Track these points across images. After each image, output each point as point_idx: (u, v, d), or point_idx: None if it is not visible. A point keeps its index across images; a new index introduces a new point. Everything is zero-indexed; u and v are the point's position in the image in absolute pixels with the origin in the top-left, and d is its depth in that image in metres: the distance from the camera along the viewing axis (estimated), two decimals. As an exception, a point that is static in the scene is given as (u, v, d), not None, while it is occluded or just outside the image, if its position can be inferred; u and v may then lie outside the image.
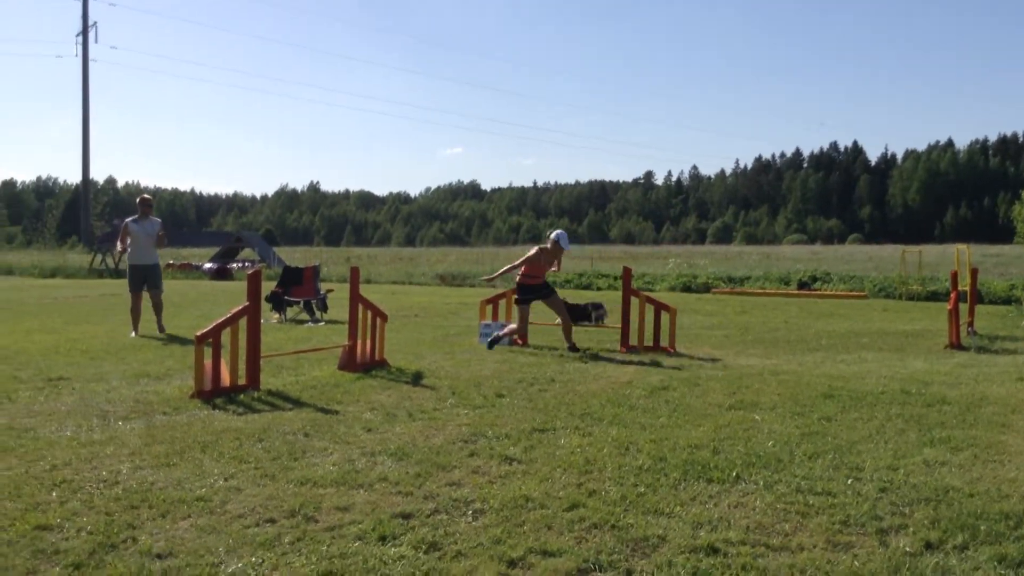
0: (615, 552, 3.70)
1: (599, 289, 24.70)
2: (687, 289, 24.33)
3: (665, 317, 10.36)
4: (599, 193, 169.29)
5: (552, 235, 10.70)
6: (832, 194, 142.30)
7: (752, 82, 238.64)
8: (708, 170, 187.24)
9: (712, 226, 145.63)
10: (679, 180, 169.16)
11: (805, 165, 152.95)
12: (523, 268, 10.60)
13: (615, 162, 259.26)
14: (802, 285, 23.98)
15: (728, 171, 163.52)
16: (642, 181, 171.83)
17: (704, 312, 16.64)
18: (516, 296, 10.71)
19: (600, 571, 3.51)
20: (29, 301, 19.28)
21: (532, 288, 10.55)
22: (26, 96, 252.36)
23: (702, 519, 4.13)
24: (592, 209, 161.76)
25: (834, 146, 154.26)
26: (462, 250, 67.62)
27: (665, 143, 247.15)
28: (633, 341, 10.42)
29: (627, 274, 10.92)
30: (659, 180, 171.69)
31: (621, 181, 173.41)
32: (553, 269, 10.84)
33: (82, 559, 3.58)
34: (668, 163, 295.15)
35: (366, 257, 48.63)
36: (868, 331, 13.05)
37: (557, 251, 10.61)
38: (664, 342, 10.31)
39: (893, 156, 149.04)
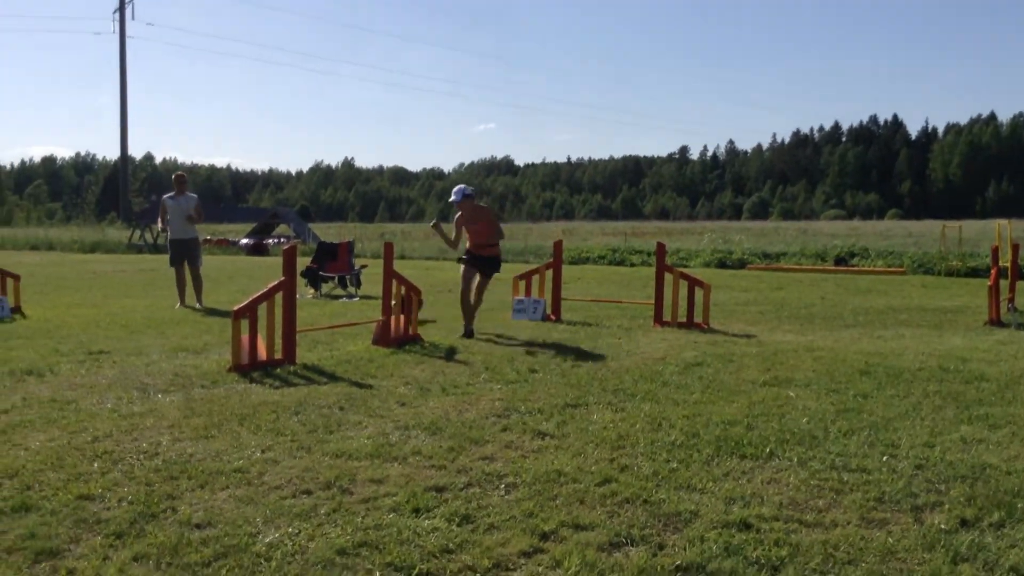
0: (647, 526, 3.71)
1: (632, 265, 24.60)
2: (722, 265, 24.15)
3: (699, 293, 10.30)
4: (633, 168, 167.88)
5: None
6: (871, 169, 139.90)
7: (790, 55, 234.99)
8: (745, 144, 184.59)
9: (748, 201, 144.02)
10: (715, 155, 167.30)
11: (844, 139, 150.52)
12: (468, 238, 9.75)
13: (650, 137, 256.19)
14: (839, 261, 23.70)
15: (765, 145, 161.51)
16: (677, 156, 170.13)
17: (739, 288, 16.53)
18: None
19: (632, 545, 3.53)
20: (70, 276, 19.63)
21: (475, 257, 9.68)
22: (65, 73, 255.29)
23: (735, 495, 4.13)
24: (626, 185, 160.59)
25: (874, 120, 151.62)
26: (495, 226, 67.46)
27: (701, 117, 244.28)
28: (666, 317, 10.37)
29: (661, 250, 10.86)
30: (695, 155, 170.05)
31: (656, 156, 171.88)
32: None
33: (123, 528, 3.66)
34: (704, 138, 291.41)
35: (400, 233, 48.68)
36: (906, 307, 12.88)
37: (467, 208, 9.59)
38: (698, 318, 10.26)
39: (934, 130, 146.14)
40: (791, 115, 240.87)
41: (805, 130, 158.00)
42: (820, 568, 3.33)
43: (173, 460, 4.63)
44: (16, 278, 11.69)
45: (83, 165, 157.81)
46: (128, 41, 66.44)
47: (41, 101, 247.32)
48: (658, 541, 3.57)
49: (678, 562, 3.35)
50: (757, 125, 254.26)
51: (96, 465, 4.53)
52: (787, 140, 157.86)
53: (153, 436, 5.10)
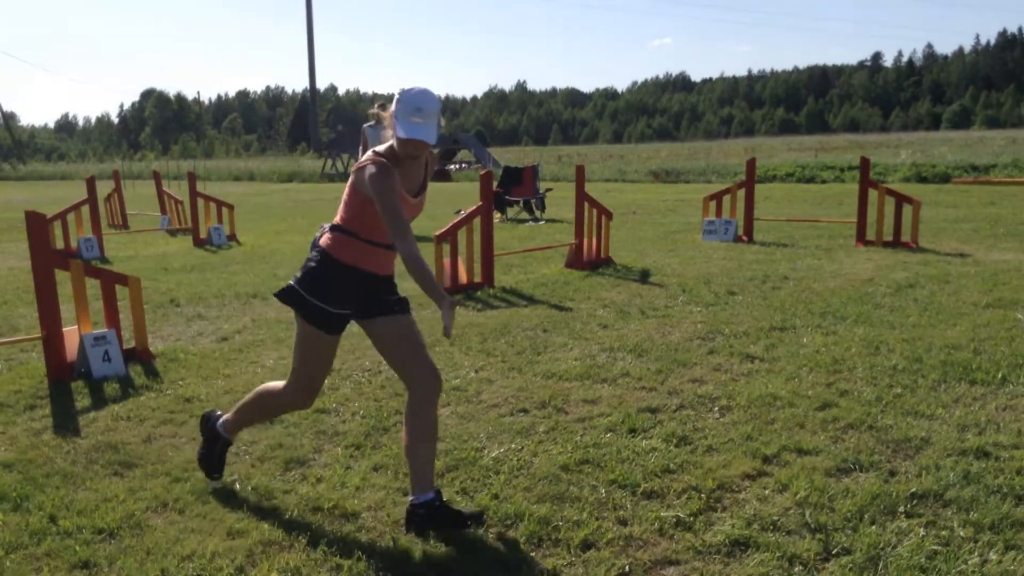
0: (875, 453, 3.59)
1: (823, 182, 23.45)
2: (922, 180, 22.61)
3: (907, 210, 9.70)
4: (819, 79, 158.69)
5: None
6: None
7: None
8: (945, 48, 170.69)
9: (948, 110, 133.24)
10: (911, 61, 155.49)
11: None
12: None
13: (838, 44, 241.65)
14: (1059, 172, 21.63)
15: (967, 48, 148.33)
16: (869, 63, 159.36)
17: (945, 204, 15.43)
18: None
19: (861, 471, 3.43)
20: (273, 204, 20.89)
21: None
22: (254, 10, 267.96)
23: (967, 422, 3.92)
24: (811, 97, 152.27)
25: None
26: (673, 145, 66.13)
27: (896, 20, 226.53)
28: (870, 236, 9.85)
29: (865, 165, 10.25)
30: (888, 61, 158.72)
31: (844, 64, 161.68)
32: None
33: (360, 440, 3.92)
34: (899, 42, 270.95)
35: (576, 155, 48.62)
36: None
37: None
38: (905, 237, 9.69)
39: None
40: (998, 14, 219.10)
41: (1013, 29, 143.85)
42: (1073, 502, 3.12)
43: (394, 378, 4.87)
44: (231, 208, 12.56)
45: (274, 98, 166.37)
46: (311, -25, 68.50)
47: (233, 38, 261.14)
48: (888, 468, 3.45)
49: (913, 489, 3.22)
50: (959, 26, 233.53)
51: (327, 381, 4.85)
52: (993, 41, 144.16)
53: (374, 355, 5.38)
